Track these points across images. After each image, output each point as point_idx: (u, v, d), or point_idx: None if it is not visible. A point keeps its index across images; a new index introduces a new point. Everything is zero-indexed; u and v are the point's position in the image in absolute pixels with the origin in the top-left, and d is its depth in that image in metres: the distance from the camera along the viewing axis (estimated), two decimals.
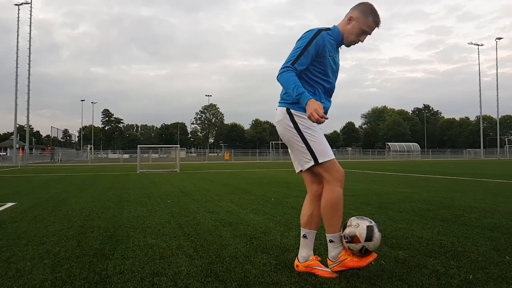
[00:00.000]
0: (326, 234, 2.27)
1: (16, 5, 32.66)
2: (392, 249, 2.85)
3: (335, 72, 2.38)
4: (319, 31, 2.25)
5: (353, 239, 2.16)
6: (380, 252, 2.77)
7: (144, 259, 2.65)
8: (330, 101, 2.41)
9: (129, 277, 2.28)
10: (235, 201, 5.74)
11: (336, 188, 2.23)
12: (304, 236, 2.40)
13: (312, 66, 2.28)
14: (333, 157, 2.27)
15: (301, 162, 2.31)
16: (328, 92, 2.37)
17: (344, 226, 2.25)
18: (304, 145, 2.24)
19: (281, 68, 2.21)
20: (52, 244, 3.09)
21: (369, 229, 2.16)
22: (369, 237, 2.14)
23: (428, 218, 4.12)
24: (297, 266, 2.39)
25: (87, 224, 3.97)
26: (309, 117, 2.06)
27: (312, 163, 2.23)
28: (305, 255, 2.37)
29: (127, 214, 4.57)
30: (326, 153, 2.24)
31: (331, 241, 2.25)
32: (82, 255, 2.76)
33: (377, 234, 2.18)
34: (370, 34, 2.34)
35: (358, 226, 2.18)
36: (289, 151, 2.43)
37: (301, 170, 2.38)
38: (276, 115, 2.37)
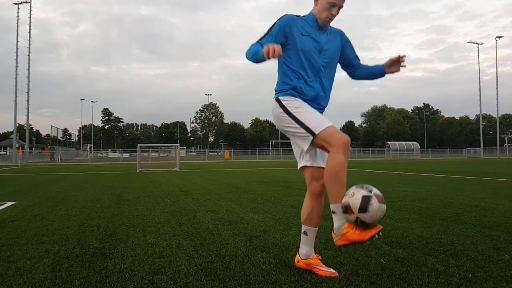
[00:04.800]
0: (329, 205, 2.15)
1: (15, 4, 32.61)
2: (392, 248, 2.85)
3: (322, 50, 2.35)
4: (284, 15, 2.35)
5: (346, 209, 2.02)
6: (379, 251, 2.78)
7: (144, 258, 2.66)
8: (322, 81, 2.37)
9: (129, 276, 2.28)
10: (235, 200, 5.74)
11: (337, 155, 2.09)
12: (305, 233, 2.40)
13: (288, 52, 2.32)
14: (330, 124, 2.20)
15: (302, 145, 2.28)
16: (316, 70, 2.34)
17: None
18: (297, 124, 2.24)
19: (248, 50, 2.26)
20: (52, 243, 3.09)
21: (364, 199, 1.98)
22: (363, 208, 1.97)
23: (427, 217, 4.13)
24: (298, 261, 2.40)
25: (87, 223, 3.97)
26: (264, 53, 2.01)
27: (311, 137, 2.19)
28: (305, 252, 2.38)
29: (127, 213, 4.57)
30: (320, 123, 2.20)
31: (333, 212, 2.12)
32: (82, 254, 2.76)
33: (374, 205, 1.97)
34: (341, 5, 2.28)
35: (353, 195, 2.00)
36: (291, 143, 2.45)
37: (302, 167, 2.38)
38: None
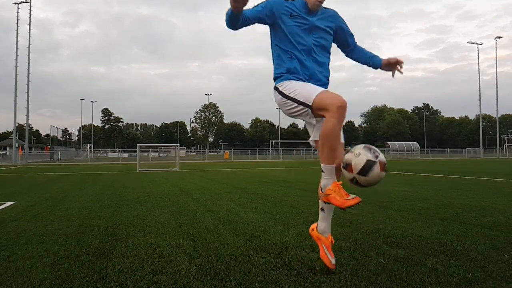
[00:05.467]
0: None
1: (15, 3, 32.58)
2: (391, 248, 2.85)
3: (312, 29, 2.37)
4: None
5: (347, 166, 2.06)
6: (379, 250, 2.78)
7: (143, 257, 2.66)
8: (317, 59, 2.38)
9: (129, 276, 2.28)
10: (235, 200, 5.74)
11: (330, 119, 2.11)
12: (322, 209, 2.42)
13: (278, 32, 2.38)
14: (321, 89, 2.23)
15: (309, 121, 2.33)
16: (307, 50, 2.36)
17: (347, 151, 2.18)
18: (296, 103, 2.28)
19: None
20: (51, 243, 3.09)
21: (368, 163, 2.00)
22: (363, 171, 2.00)
23: (427, 217, 4.13)
24: (313, 230, 2.47)
25: (86, 223, 3.97)
26: (230, 2, 2.07)
27: (309, 110, 2.22)
28: (323, 228, 2.41)
29: (126, 213, 4.57)
30: (312, 92, 2.22)
31: (322, 170, 2.19)
32: (81, 254, 2.76)
33: (375, 172, 1.98)
34: None
35: (358, 155, 2.03)
36: (305, 124, 2.50)
37: (314, 141, 2.42)
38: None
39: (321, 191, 2.21)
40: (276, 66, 2.43)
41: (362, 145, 2.12)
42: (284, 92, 2.33)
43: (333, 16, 2.48)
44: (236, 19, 2.24)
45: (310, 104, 2.19)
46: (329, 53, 2.48)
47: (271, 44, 2.47)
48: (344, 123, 2.23)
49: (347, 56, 2.67)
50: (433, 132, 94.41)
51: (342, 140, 2.35)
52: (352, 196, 2.05)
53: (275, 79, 2.44)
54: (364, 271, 2.33)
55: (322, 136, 2.15)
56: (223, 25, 2.32)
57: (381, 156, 2.04)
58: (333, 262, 2.29)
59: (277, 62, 2.42)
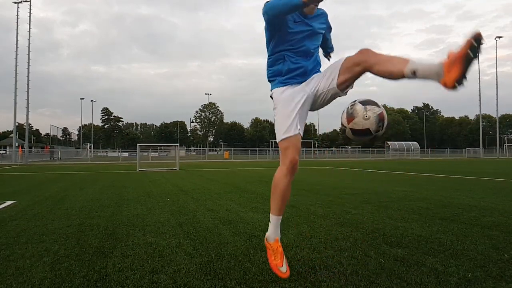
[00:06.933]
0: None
1: (15, 3, 32.56)
2: (391, 247, 2.85)
3: (313, 35, 2.35)
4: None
5: (348, 116, 2.14)
6: (379, 250, 2.78)
7: (143, 257, 2.66)
8: (312, 59, 2.38)
9: (129, 275, 2.28)
10: (235, 199, 5.74)
11: (281, 168, 2.26)
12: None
13: (276, 37, 2.31)
14: (289, 135, 2.23)
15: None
16: (305, 52, 2.34)
17: (364, 101, 2.16)
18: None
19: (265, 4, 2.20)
20: (51, 242, 3.09)
21: (364, 131, 2.11)
22: (356, 132, 2.13)
23: (427, 217, 4.13)
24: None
25: (86, 222, 3.97)
26: None
27: (278, 141, 2.31)
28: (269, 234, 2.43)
29: (126, 212, 4.57)
30: (282, 132, 2.26)
31: (269, 220, 2.35)
32: (81, 253, 2.76)
33: (365, 137, 2.13)
34: None
35: (367, 119, 2.09)
36: None
37: None
38: None
39: (266, 241, 2.36)
40: (269, 67, 2.40)
41: (376, 107, 2.13)
42: (274, 105, 2.35)
43: (326, 19, 2.46)
44: (296, 10, 2.13)
45: (277, 141, 2.30)
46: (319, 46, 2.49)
47: (269, 46, 2.40)
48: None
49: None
50: (433, 132, 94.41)
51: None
52: (284, 269, 2.14)
53: (269, 81, 2.43)
54: (364, 270, 2.33)
55: (273, 185, 2.30)
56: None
57: (383, 128, 2.12)
58: (284, 271, 2.18)
59: (271, 65, 2.39)
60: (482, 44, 1.68)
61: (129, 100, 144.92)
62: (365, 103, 2.15)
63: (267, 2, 2.19)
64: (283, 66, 2.32)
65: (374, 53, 1.98)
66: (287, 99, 2.27)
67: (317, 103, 2.31)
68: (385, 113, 2.14)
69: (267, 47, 2.41)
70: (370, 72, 2.00)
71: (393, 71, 1.86)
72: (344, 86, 2.14)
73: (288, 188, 2.30)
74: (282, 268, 2.15)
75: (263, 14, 2.21)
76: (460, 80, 1.70)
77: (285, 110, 2.27)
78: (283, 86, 2.32)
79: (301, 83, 2.30)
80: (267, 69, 2.42)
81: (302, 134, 2.29)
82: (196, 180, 9.99)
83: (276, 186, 2.30)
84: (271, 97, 2.40)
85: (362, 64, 2.00)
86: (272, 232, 2.33)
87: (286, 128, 2.24)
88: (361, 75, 2.07)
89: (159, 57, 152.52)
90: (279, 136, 2.27)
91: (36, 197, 6.16)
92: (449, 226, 3.63)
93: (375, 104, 2.14)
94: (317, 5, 2.30)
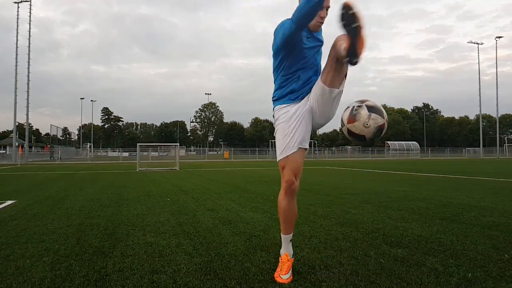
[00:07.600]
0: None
1: (15, 2, 32.55)
2: (391, 247, 2.85)
3: (320, 48, 2.36)
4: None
5: (350, 117, 2.16)
6: (379, 250, 2.78)
7: (143, 257, 2.66)
8: (318, 73, 2.38)
9: (129, 275, 2.28)
10: (235, 199, 5.74)
11: (280, 195, 2.32)
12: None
13: (290, 58, 2.26)
14: (286, 154, 2.25)
15: None
16: (315, 67, 2.34)
17: (371, 108, 2.16)
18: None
19: (291, 19, 2.12)
20: (51, 242, 3.09)
21: (359, 136, 2.15)
22: (351, 134, 2.17)
23: (427, 217, 4.13)
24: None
25: (86, 222, 3.97)
26: None
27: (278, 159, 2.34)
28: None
29: (126, 212, 4.57)
30: (281, 152, 2.30)
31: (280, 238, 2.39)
32: (81, 253, 2.76)
33: (358, 141, 2.19)
34: (328, 5, 2.21)
35: (367, 127, 2.12)
36: None
37: None
38: None
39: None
40: (279, 90, 2.35)
41: (379, 117, 2.13)
42: (275, 121, 2.36)
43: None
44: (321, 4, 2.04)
45: (277, 160, 2.33)
46: None
47: (280, 69, 2.33)
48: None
49: None
50: (433, 132, 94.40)
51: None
52: (287, 276, 2.18)
53: (274, 100, 2.39)
54: (364, 270, 2.33)
55: (279, 211, 2.35)
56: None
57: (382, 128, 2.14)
58: (286, 278, 2.21)
59: (280, 86, 2.34)
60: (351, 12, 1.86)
61: (129, 100, 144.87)
62: (371, 110, 2.15)
63: (284, 20, 2.16)
64: (296, 85, 2.29)
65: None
66: (290, 116, 2.28)
67: (326, 110, 2.28)
68: (386, 124, 2.16)
69: (277, 71, 2.34)
70: (339, 58, 2.07)
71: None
72: (331, 82, 2.16)
73: (289, 209, 2.31)
74: (284, 276, 2.19)
75: (286, 29, 2.11)
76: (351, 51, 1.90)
77: (285, 128, 2.28)
78: (287, 103, 2.31)
79: (303, 98, 2.30)
80: (276, 90, 2.37)
81: (306, 146, 2.28)
82: (196, 180, 9.99)
83: (278, 206, 2.35)
84: (273, 116, 2.40)
85: (331, 55, 2.11)
86: (283, 248, 2.39)
87: (284, 147, 2.27)
88: (339, 66, 2.10)
89: (159, 57, 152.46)
90: (278, 155, 2.31)
91: (36, 197, 6.16)
92: (449, 226, 3.63)
93: (380, 114, 2.15)
94: (321, 23, 2.25)
